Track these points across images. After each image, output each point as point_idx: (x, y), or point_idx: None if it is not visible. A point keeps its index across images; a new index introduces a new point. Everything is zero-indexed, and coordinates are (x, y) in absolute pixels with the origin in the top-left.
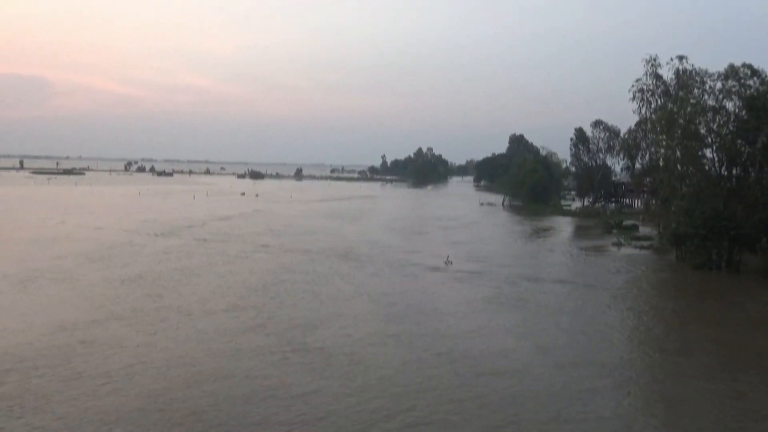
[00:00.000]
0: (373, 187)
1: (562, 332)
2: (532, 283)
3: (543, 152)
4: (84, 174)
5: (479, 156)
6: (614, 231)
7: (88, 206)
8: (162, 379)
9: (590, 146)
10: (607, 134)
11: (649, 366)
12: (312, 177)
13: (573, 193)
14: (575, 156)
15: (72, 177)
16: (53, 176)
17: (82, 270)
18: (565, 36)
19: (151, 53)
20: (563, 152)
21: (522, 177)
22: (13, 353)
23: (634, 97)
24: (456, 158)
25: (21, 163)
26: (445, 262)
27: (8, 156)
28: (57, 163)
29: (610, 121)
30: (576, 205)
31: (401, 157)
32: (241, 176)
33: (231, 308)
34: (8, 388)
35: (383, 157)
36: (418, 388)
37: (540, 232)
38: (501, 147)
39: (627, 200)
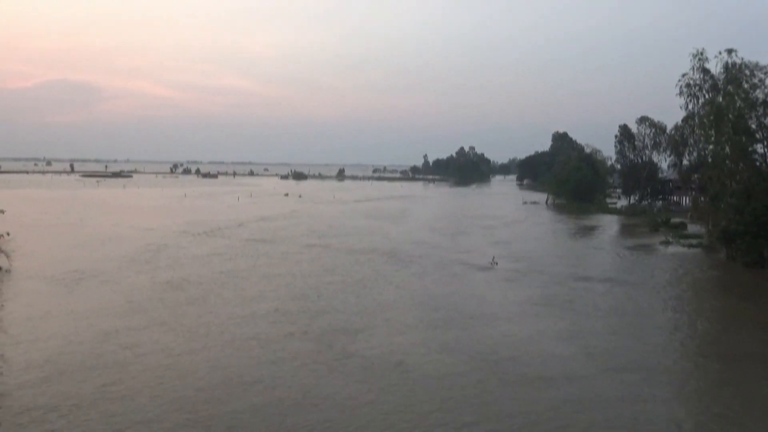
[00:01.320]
0: (415, 187)
1: (610, 335)
2: (579, 284)
3: (587, 150)
4: (131, 176)
5: (522, 154)
6: (661, 229)
7: (135, 208)
8: (200, 390)
9: (636, 143)
10: (653, 130)
11: (703, 372)
12: (354, 177)
13: (618, 191)
14: (620, 153)
15: (120, 180)
16: (102, 179)
17: (128, 272)
18: (609, 31)
19: (195, 57)
20: (608, 149)
21: (566, 175)
22: (55, 360)
23: (681, 92)
24: (498, 157)
25: (71, 166)
26: (491, 263)
27: (59, 160)
28: (105, 166)
29: (656, 117)
30: (621, 203)
31: (443, 156)
32: (284, 177)
33: (273, 312)
34: (48, 395)
35: (425, 156)
36: (461, 396)
37: (585, 231)
38: (544, 145)
39: (674, 198)
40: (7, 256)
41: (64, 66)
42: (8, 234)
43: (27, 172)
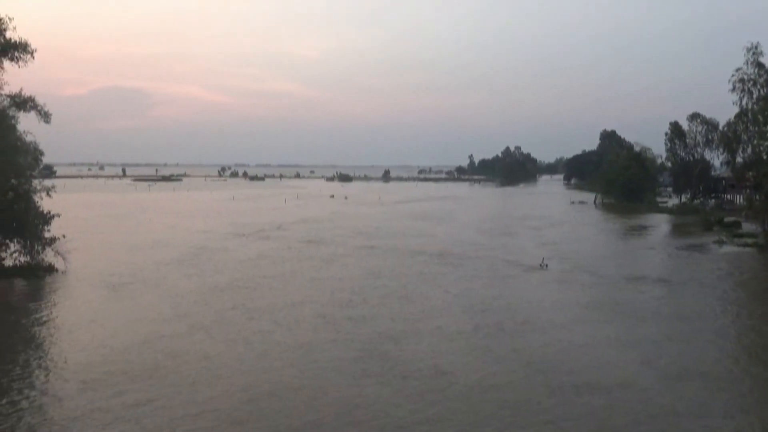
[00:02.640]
0: (461, 188)
1: (666, 340)
2: (631, 285)
3: (636, 148)
4: (181, 180)
5: (569, 153)
6: (715, 228)
7: (184, 211)
8: (239, 401)
9: (687, 140)
10: (705, 127)
11: (766, 380)
12: (399, 178)
13: (669, 189)
14: (671, 151)
15: (170, 183)
16: (153, 183)
17: (176, 275)
18: (658, 25)
19: (243, 61)
20: (658, 147)
21: (614, 174)
22: (96, 369)
23: (734, 88)
24: (545, 156)
25: (123, 171)
26: (540, 265)
27: (112, 164)
28: (156, 170)
29: (708, 113)
30: (672, 202)
31: (489, 156)
32: (330, 179)
33: (318, 317)
34: (83, 404)
35: (470, 156)
36: (508, 407)
37: (635, 231)
38: (592, 144)
39: (728, 196)
40: (63, 258)
41: (116, 73)
42: (64, 236)
43: (81, 177)
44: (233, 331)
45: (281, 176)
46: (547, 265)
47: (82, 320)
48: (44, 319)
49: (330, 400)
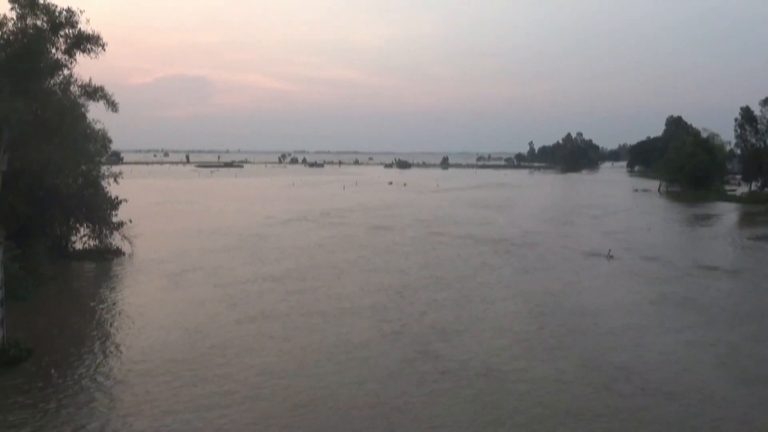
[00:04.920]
0: (521, 175)
1: (742, 339)
2: (701, 278)
3: (704, 134)
4: (242, 167)
5: (632, 140)
6: None
7: (246, 198)
8: (288, 397)
9: (758, 126)
10: None
11: None
12: (458, 165)
13: (738, 177)
14: (741, 137)
15: (232, 169)
16: (215, 169)
17: (234, 263)
18: (729, 8)
19: (304, 49)
20: (727, 134)
21: (680, 161)
22: (142, 359)
23: None
24: (607, 143)
25: (187, 157)
26: (606, 256)
27: (176, 151)
28: (218, 157)
29: None
30: (742, 190)
31: (549, 143)
32: (389, 166)
33: (370, 310)
34: (129, 395)
35: (530, 143)
36: (564, 412)
37: (703, 220)
38: (656, 130)
39: None
40: (130, 242)
41: (180, 62)
42: (131, 221)
43: (147, 163)
44: (283, 326)
45: (340, 163)
46: (612, 256)
47: (147, 306)
48: (110, 300)
49: (371, 398)
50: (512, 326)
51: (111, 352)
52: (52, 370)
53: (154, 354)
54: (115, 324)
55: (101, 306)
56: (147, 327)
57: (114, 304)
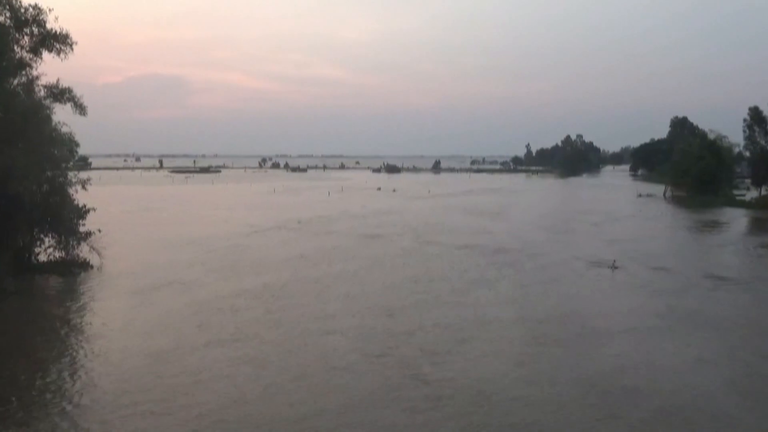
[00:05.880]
0: (518, 180)
1: (759, 358)
2: (710, 290)
3: (711, 135)
4: (220, 172)
5: (635, 142)
6: None
7: (223, 205)
8: (253, 430)
9: None
10: None
11: None
12: (451, 170)
13: (747, 181)
14: (750, 139)
15: (208, 175)
16: (191, 175)
17: (208, 278)
18: (732, 4)
19: (286, 46)
20: (735, 135)
21: (686, 164)
22: (100, 386)
23: None
24: (609, 145)
25: (160, 162)
26: (610, 267)
27: (148, 155)
28: (194, 162)
29: None
30: (751, 195)
31: (547, 145)
32: (377, 170)
33: (356, 329)
34: (82, 428)
35: (527, 146)
36: None
37: (711, 227)
38: (661, 132)
39: None
40: (98, 253)
41: (154, 60)
42: (99, 231)
43: (117, 169)
44: (255, 348)
45: (325, 167)
46: (617, 267)
47: (112, 325)
48: (75, 319)
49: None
50: (510, 348)
51: (67, 378)
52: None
53: (114, 380)
54: (77, 346)
55: (64, 326)
56: (110, 350)
57: (78, 323)
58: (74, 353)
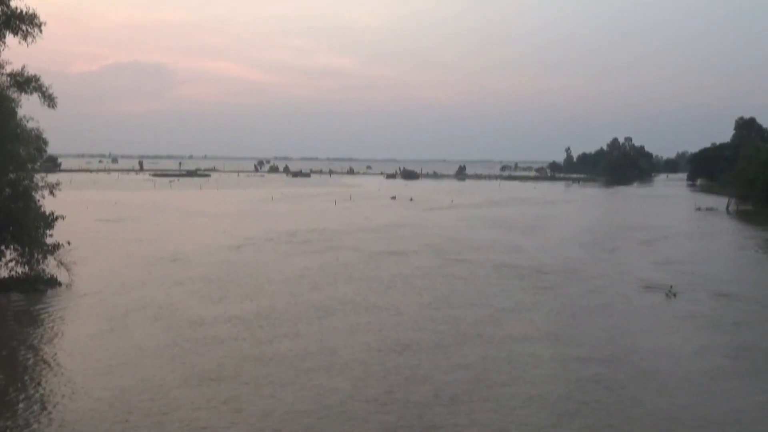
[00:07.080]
0: (556, 188)
1: None
2: None
3: None
4: (209, 176)
5: (694, 147)
6: None
7: (212, 215)
8: None
9: None
10: None
11: None
12: (478, 176)
13: None
14: None
15: (196, 179)
16: (175, 179)
17: (191, 301)
18: None
19: (285, 31)
20: None
21: (754, 172)
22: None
23: None
24: (663, 150)
25: (140, 164)
26: (667, 293)
27: (127, 156)
28: (179, 164)
29: None
30: None
31: (591, 149)
32: (391, 176)
33: (360, 366)
34: None
35: (567, 150)
36: None
37: None
38: (724, 135)
39: None
40: (68, 269)
41: (135, 46)
42: (69, 243)
43: (91, 171)
44: (236, 394)
45: (331, 172)
46: (675, 295)
47: (77, 356)
48: (34, 349)
49: None
50: (549, 394)
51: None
52: None
53: (70, 425)
54: (34, 381)
55: (22, 354)
56: (74, 386)
57: (38, 352)
58: (27, 389)
